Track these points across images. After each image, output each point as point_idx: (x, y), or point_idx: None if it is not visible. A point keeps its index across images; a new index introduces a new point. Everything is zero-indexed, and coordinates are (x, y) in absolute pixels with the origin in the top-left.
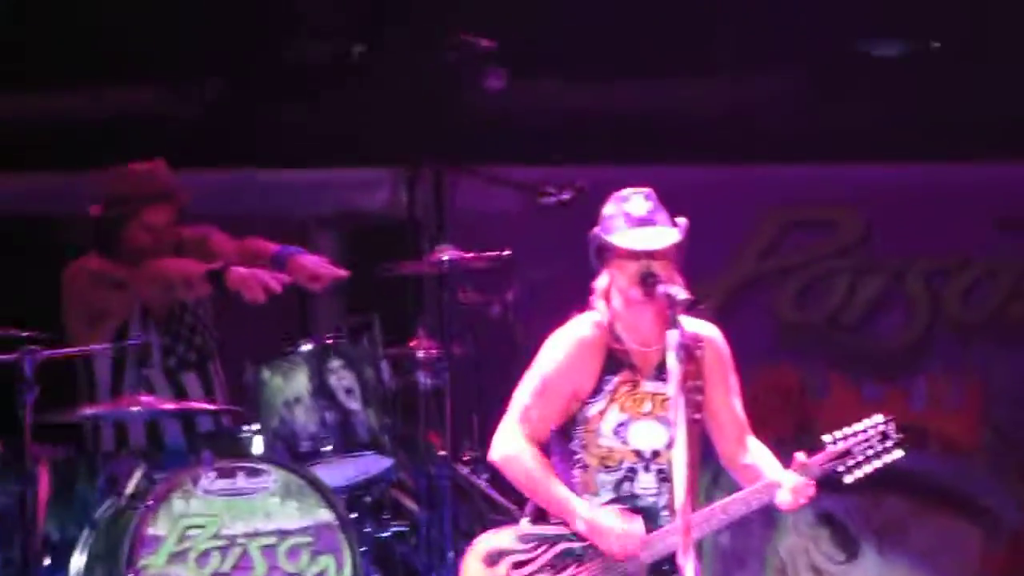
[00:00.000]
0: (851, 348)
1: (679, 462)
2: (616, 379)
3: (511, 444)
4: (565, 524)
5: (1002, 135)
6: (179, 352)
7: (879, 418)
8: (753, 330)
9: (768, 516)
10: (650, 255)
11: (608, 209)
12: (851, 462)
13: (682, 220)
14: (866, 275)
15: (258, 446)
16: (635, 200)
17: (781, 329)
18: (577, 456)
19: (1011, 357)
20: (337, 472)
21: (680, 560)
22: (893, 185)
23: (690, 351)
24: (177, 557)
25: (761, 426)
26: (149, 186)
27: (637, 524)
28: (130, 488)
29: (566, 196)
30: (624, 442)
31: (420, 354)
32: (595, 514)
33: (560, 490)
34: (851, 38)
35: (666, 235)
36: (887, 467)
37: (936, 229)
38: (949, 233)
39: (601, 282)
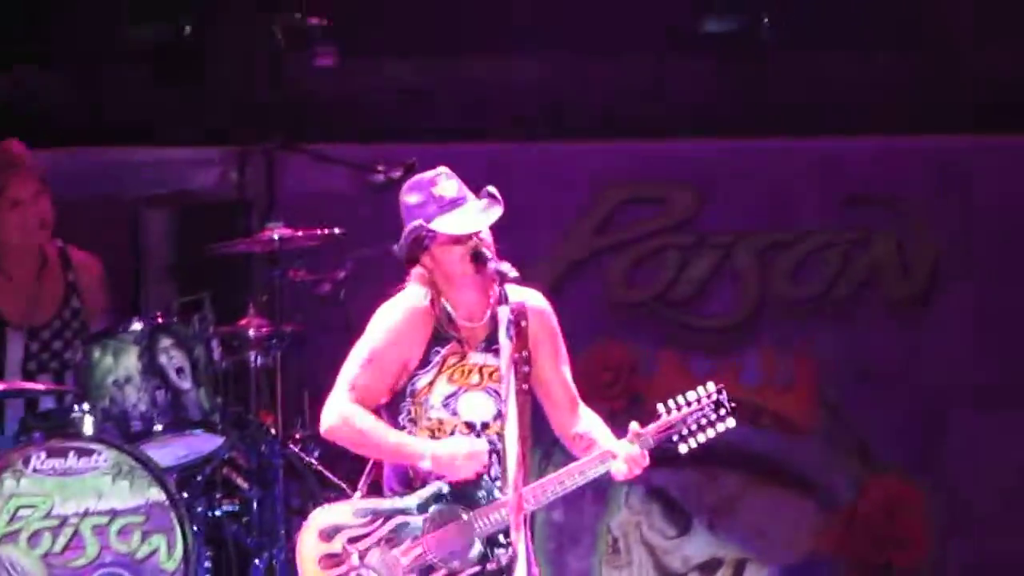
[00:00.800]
0: (681, 325)
1: (511, 439)
2: (444, 351)
3: (339, 410)
4: (399, 496)
5: (835, 111)
6: (42, 359)
7: (712, 387)
8: (585, 307)
9: (600, 492)
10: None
11: (412, 197)
12: (685, 431)
13: (492, 189)
14: (696, 251)
15: (88, 426)
16: (442, 182)
17: (612, 306)
18: (406, 431)
19: (842, 334)
20: (168, 451)
21: (512, 536)
22: (724, 161)
23: (519, 326)
24: (8, 537)
25: (592, 403)
26: (2, 164)
27: (480, 442)
28: None
29: (396, 174)
30: (454, 413)
31: (251, 333)
32: (437, 446)
33: (396, 435)
34: (686, 15)
35: (492, 213)
36: (720, 441)
37: (767, 205)
38: (780, 209)
39: (419, 271)
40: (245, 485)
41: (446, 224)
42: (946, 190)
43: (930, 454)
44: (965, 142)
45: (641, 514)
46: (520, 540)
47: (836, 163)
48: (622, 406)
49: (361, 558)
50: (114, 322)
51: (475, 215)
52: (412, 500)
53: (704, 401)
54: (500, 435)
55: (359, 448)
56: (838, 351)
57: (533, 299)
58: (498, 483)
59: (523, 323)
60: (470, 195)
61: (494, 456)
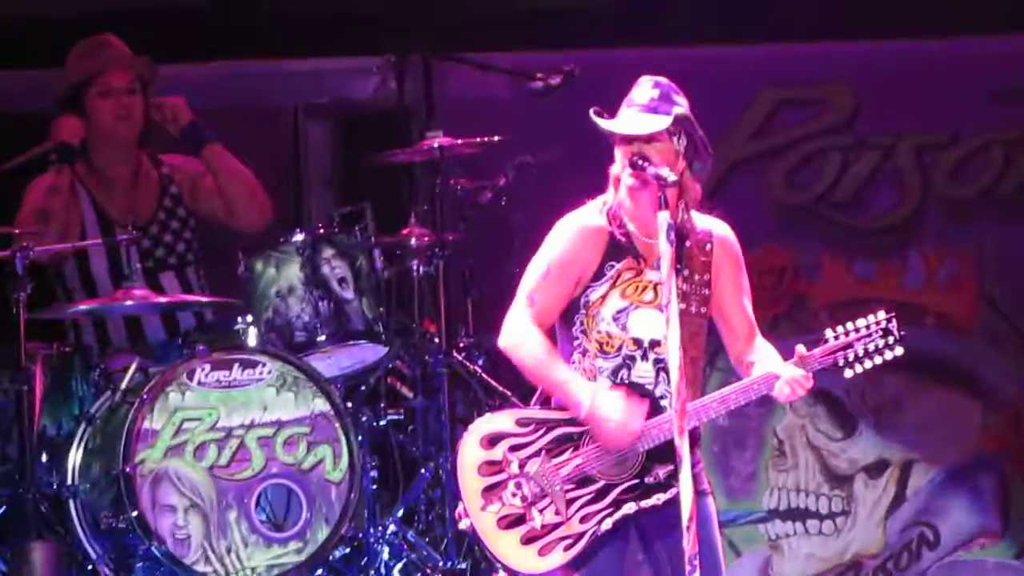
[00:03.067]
0: (843, 226)
1: (673, 347)
2: (619, 265)
3: (518, 330)
4: (564, 409)
5: (991, 7)
6: (158, 255)
7: (882, 315)
8: (745, 210)
9: (765, 396)
10: (638, 139)
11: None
12: (851, 356)
13: (679, 109)
14: (857, 152)
15: (252, 338)
16: (644, 84)
17: (772, 209)
18: (577, 341)
19: (1006, 232)
20: (332, 362)
21: (676, 442)
22: (882, 61)
23: (698, 247)
24: (174, 450)
25: (755, 306)
26: (101, 52)
27: (637, 418)
28: (125, 383)
29: (555, 81)
30: (624, 328)
31: (413, 242)
32: (597, 402)
33: (564, 373)
34: None
35: (647, 121)
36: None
37: (926, 105)
38: (939, 108)
39: (614, 167)
40: (410, 394)
41: (604, 120)
42: None
43: None
44: None
45: (806, 417)
46: (684, 447)
47: (993, 60)
48: (785, 309)
49: (521, 466)
50: (275, 232)
51: (633, 119)
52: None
53: (873, 328)
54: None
55: (528, 373)
56: (1001, 249)
57: (719, 228)
58: (663, 401)
59: (708, 247)
60: (660, 108)
61: (662, 374)
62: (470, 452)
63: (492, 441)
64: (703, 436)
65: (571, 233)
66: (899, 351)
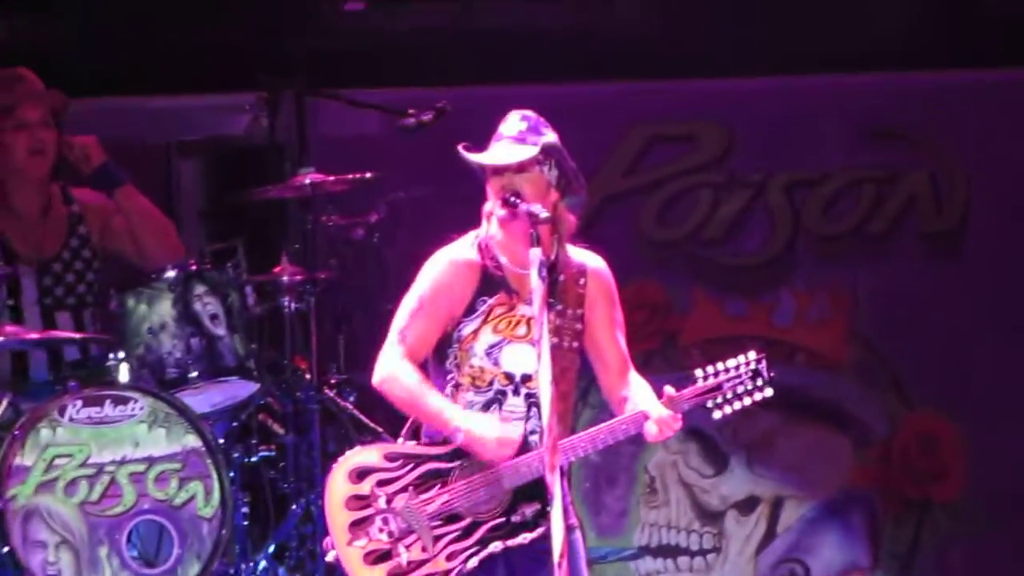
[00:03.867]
0: (715, 263)
1: (544, 384)
2: (491, 300)
3: (389, 366)
4: (434, 445)
5: (862, 45)
6: (57, 293)
7: (752, 355)
8: (617, 246)
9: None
10: (508, 170)
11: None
12: (720, 399)
13: (548, 139)
14: (728, 190)
15: (124, 374)
16: (511, 119)
17: (645, 245)
18: (450, 375)
19: (876, 269)
20: (204, 398)
21: (547, 478)
22: (755, 99)
23: (571, 280)
24: (45, 487)
25: (627, 342)
26: (14, 86)
27: (515, 430)
28: None
29: (427, 117)
30: (496, 363)
31: (285, 279)
32: (472, 422)
33: (437, 401)
34: None
35: (516, 151)
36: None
37: (797, 142)
38: (810, 146)
39: (488, 203)
40: (281, 431)
41: (475, 154)
42: (974, 124)
43: (964, 388)
44: (990, 76)
45: (678, 453)
46: (556, 484)
47: (864, 98)
48: (656, 345)
49: (388, 502)
50: (147, 270)
51: (502, 150)
52: (445, 448)
53: (743, 369)
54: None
55: (403, 406)
56: (871, 286)
57: (592, 261)
58: (533, 437)
59: (581, 282)
60: (533, 140)
61: (533, 409)
62: (338, 486)
63: (360, 475)
64: (574, 472)
65: (442, 268)
66: (768, 393)
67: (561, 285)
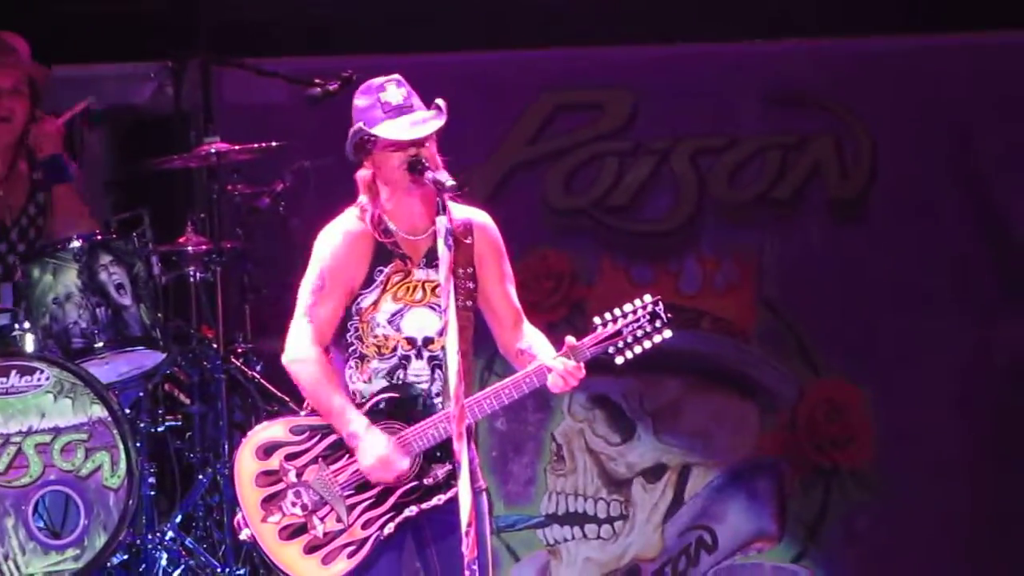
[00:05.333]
0: (621, 230)
1: (452, 348)
2: (387, 269)
3: (299, 349)
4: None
5: (768, 12)
6: (20, 251)
7: (648, 298)
8: (523, 215)
9: (543, 400)
10: (416, 143)
11: (361, 100)
12: (621, 343)
13: (440, 101)
14: (634, 157)
15: (29, 344)
16: (390, 89)
17: (551, 213)
18: (352, 347)
19: (782, 236)
20: (110, 368)
21: (455, 446)
22: (659, 66)
23: (459, 238)
24: None
25: (533, 311)
26: None
27: (402, 459)
28: None
29: (333, 86)
30: (398, 330)
31: (190, 248)
32: (367, 436)
33: (340, 401)
34: None
35: (431, 122)
36: (662, 346)
37: (702, 109)
38: (715, 113)
39: (364, 174)
40: (187, 401)
41: (385, 129)
42: (879, 91)
43: (870, 354)
44: (901, 43)
45: (584, 421)
46: (463, 451)
47: (770, 64)
48: (563, 314)
49: (298, 475)
50: (51, 240)
51: (415, 124)
52: None
53: (640, 312)
54: (443, 350)
55: (307, 393)
56: (777, 253)
57: (477, 216)
58: (438, 399)
59: (468, 240)
60: (419, 104)
61: (436, 371)
62: (246, 464)
63: (267, 451)
64: (481, 440)
65: (339, 242)
66: (667, 334)
67: None
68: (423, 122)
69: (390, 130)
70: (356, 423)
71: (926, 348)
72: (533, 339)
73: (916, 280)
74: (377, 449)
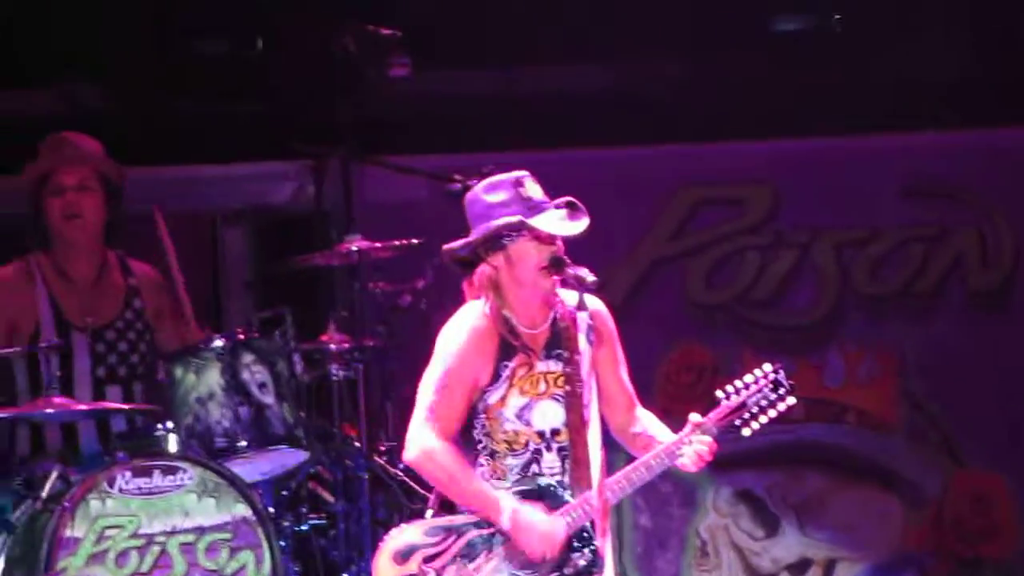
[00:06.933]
0: (763, 324)
1: (595, 442)
2: (512, 364)
3: (425, 442)
4: (472, 513)
5: (903, 104)
6: (110, 362)
7: (768, 367)
8: (665, 309)
9: (687, 495)
10: (555, 239)
11: (496, 195)
12: (746, 415)
13: (571, 199)
14: (776, 251)
15: (172, 444)
16: (529, 184)
17: (692, 307)
18: (481, 444)
19: (924, 328)
20: (253, 467)
21: (598, 541)
22: (799, 160)
23: (598, 330)
24: (96, 558)
25: (677, 405)
26: (52, 153)
27: (559, 523)
28: (46, 491)
29: (473, 182)
30: (528, 424)
31: (332, 347)
32: (518, 509)
33: (477, 483)
34: (749, 14)
35: (583, 218)
36: (805, 440)
37: (843, 202)
38: (857, 205)
39: (487, 270)
40: (331, 499)
41: (543, 222)
42: (1020, 182)
43: (1015, 444)
44: None
45: (729, 516)
46: (608, 544)
47: (908, 157)
48: (705, 411)
49: None
50: (195, 340)
51: (566, 219)
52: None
53: (762, 382)
54: (570, 441)
55: (441, 484)
56: (920, 345)
57: (591, 302)
58: (567, 491)
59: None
60: (567, 203)
61: (565, 462)
62: (385, 570)
63: (405, 556)
64: (625, 536)
65: (464, 339)
66: (791, 401)
67: (564, 333)
68: (573, 218)
69: (548, 224)
70: (504, 502)
71: None
72: (648, 422)
73: None
74: (535, 524)
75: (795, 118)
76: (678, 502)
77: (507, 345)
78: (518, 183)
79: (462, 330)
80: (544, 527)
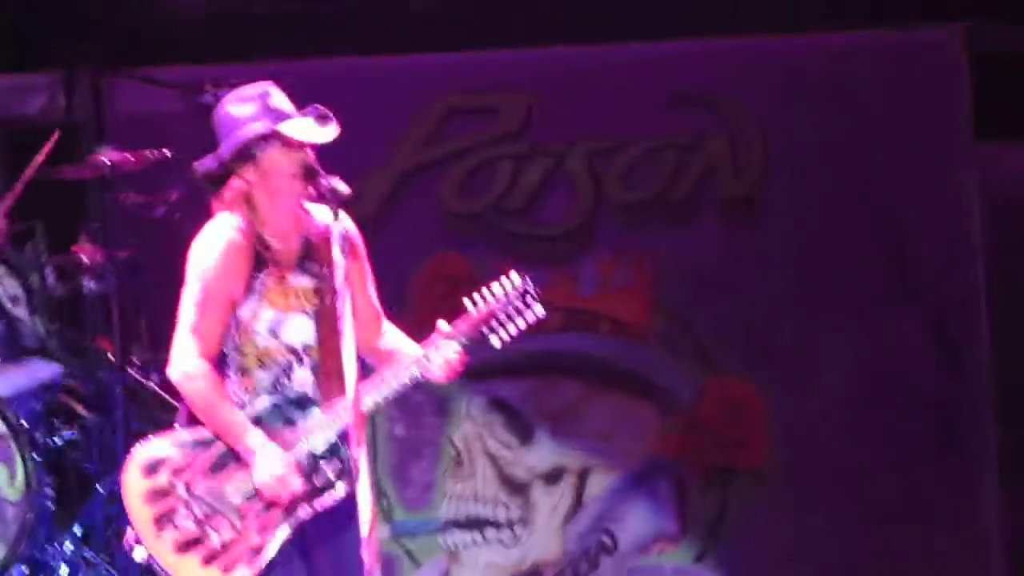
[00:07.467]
0: (517, 234)
1: (350, 354)
2: (263, 276)
3: (186, 363)
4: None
5: (661, 12)
6: None
7: (516, 276)
8: (419, 220)
9: (440, 405)
10: (304, 146)
11: (243, 107)
12: (494, 323)
13: (321, 107)
14: (529, 160)
15: None
16: (276, 94)
17: (447, 217)
18: (231, 359)
19: (677, 237)
20: (6, 380)
21: (353, 452)
22: (553, 68)
23: (352, 243)
24: None
25: (432, 315)
26: None
27: (297, 479)
28: None
29: (224, 94)
30: (277, 338)
31: (84, 259)
32: (262, 449)
33: (231, 415)
34: None
35: (333, 124)
36: (559, 349)
37: (597, 111)
38: (610, 115)
39: (240, 183)
40: (85, 412)
41: (291, 128)
42: (774, 91)
43: (767, 354)
44: (785, 42)
45: (482, 425)
46: (362, 455)
47: (666, 65)
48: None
49: (188, 489)
50: None
51: (315, 127)
52: None
53: (511, 291)
54: (320, 355)
55: (196, 409)
56: (673, 254)
57: (342, 216)
58: (316, 405)
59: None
60: (316, 110)
61: (318, 377)
62: (134, 482)
63: (153, 468)
64: (379, 446)
65: (218, 254)
66: (539, 310)
67: (315, 247)
68: (322, 125)
69: (298, 131)
70: (252, 438)
71: (821, 346)
72: (396, 337)
73: (810, 279)
74: (273, 467)
75: (549, 26)
76: (431, 411)
77: (260, 258)
78: (265, 94)
79: (215, 244)
80: (281, 470)
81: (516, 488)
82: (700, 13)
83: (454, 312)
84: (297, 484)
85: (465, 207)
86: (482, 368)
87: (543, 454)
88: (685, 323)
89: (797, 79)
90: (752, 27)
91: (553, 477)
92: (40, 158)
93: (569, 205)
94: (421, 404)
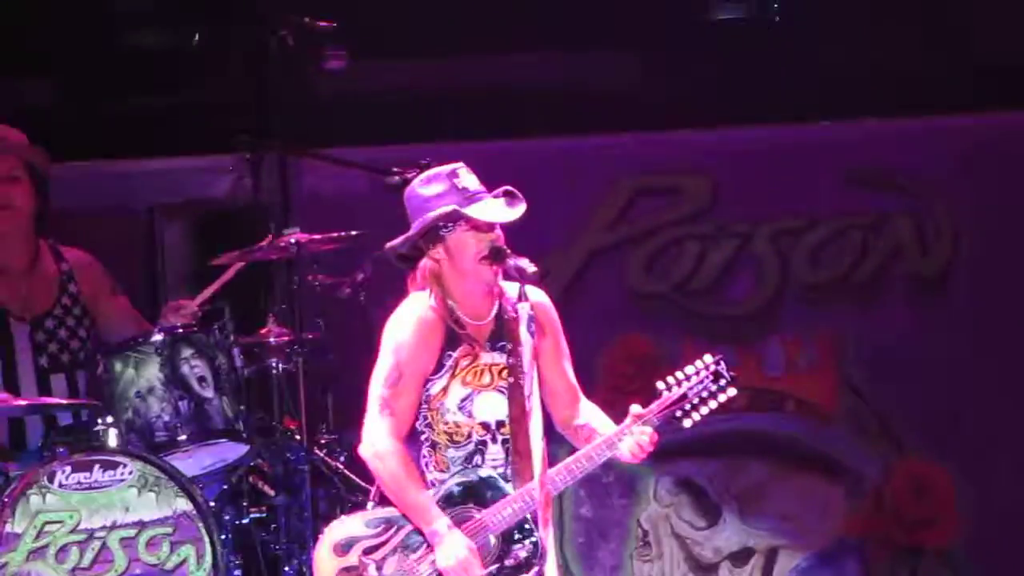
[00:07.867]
0: (703, 314)
1: (536, 433)
2: (455, 354)
3: (377, 442)
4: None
5: (842, 93)
6: (51, 350)
7: (709, 358)
8: (605, 299)
9: (628, 486)
10: (492, 227)
11: (432, 188)
12: (687, 406)
13: (510, 188)
14: (715, 240)
15: (112, 438)
16: (464, 174)
17: (632, 297)
18: (424, 436)
19: (863, 316)
20: (193, 461)
21: (540, 532)
22: (738, 149)
23: (540, 323)
24: (36, 553)
25: (618, 396)
26: None
27: (479, 569)
28: None
29: (412, 175)
30: (470, 416)
31: (272, 340)
32: (447, 534)
33: (417, 495)
34: (689, 4)
35: (518, 207)
36: (746, 430)
37: (782, 191)
38: (795, 194)
39: (428, 263)
40: (272, 492)
41: (478, 211)
42: (958, 169)
43: (954, 432)
44: (976, 120)
45: (670, 506)
46: (550, 536)
47: (847, 145)
48: (646, 399)
49: (378, 568)
50: (134, 334)
51: (502, 207)
52: None
53: (703, 373)
54: (512, 432)
55: (386, 489)
56: (859, 333)
57: (534, 294)
58: (509, 483)
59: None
60: (503, 191)
61: (508, 455)
62: (325, 561)
63: (345, 548)
64: (567, 526)
65: (412, 330)
66: (732, 392)
67: (508, 325)
68: (510, 205)
69: (484, 212)
70: (437, 522)
71: (1008, 423)
72: (591, 414)
73: (997, 355)
74: (457, 551)
75: (734, 106)
76: (619, 492)
77: (452, 335)
78: (453, 174)
79: (409, 322)
80: (465, 554)
81: (704, 569)
82: (880, 92)
83: (641, 392)
84: (479, 571)
85: (650, 287)
86: (670, 448)
87: (730, 534)
88: (871, 403)
89: (980, 155)
90: (933, 105)
91: (741, 558)
92: (230, 274)
93: (755, 285)
94: (609, 485)
